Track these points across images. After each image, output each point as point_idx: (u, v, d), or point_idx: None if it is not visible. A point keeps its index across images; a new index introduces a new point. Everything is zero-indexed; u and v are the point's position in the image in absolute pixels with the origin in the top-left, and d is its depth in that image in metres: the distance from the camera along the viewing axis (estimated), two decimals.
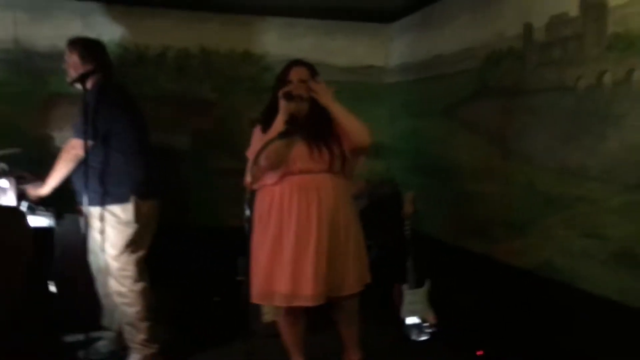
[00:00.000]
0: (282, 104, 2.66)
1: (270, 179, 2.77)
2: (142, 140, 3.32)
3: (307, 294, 2.66)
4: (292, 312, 2.89)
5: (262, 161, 2.65)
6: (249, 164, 2.77)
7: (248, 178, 2.79)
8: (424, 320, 3.64)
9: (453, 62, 3.81)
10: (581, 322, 2.72)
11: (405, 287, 3.73)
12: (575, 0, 2.70)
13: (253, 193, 2.64)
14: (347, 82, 4.62)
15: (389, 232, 4.05)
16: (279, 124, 2.66)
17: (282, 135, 2.60)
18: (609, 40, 2.51)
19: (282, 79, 2.80)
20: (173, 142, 4.26)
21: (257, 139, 2.79)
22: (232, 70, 4.37)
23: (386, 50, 4.72)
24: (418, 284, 3.70)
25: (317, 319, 3.03)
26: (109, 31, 4.03)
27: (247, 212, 2.33)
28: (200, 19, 4.24)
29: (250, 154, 2.78)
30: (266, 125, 2.75)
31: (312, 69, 2.82)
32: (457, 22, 3.75)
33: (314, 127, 2.74)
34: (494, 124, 3.40)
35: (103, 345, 3.44)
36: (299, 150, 2.73)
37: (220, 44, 4.31)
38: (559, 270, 2.86)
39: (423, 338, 3.61)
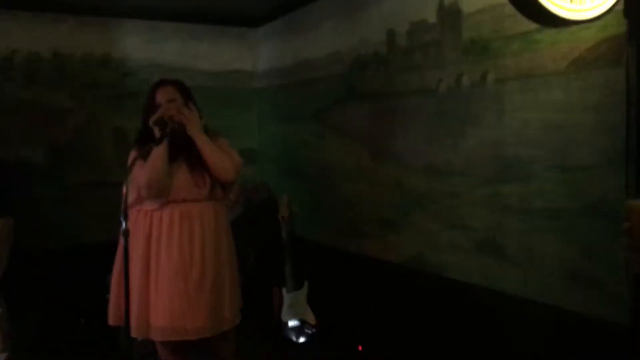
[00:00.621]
0: (155, 132, 2.49)
1: (150, 204, 2.59)
2: None
3: (190, 327, 2.51)
4: (174, 343, 2.68)
5: (144, 191, 2.50)
6: (132, 190, 2.54)
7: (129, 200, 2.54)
8: (304, 322, 3.67)
9: (320, 66, 3.89)
10: (451, 308, 2.90)
11: (284, 290, 3.74)
12: (433, 7, 2.89)
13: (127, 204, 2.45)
14: (215, 87, 4.55)
15: (265, 237, 4.05)
16: (158, 154, 2.49)
17: (157, 141, 2.46)
18: (464, 45, 2.72)
19: (150, 103, 2.60)
20: (24, 156, 3.89)
21: (137, 166, 2.52)
22: (90, 76, 4.10)
23: (253, 54, 4.71)
24: (297, 287, 3.74)
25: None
26: None
27: (124, 224, 2.18)
28: (52, 21, 3.92)
29: (133, 183, 2.54)
30: (143, 152, 2.51)
31: (180, 86, 2.66)
32: (323, 28, 3.84)
33: (193, 154, 2.57)
34: (363, 127, 3.52)
35: None
36: (182, 179, 2.58)
37: (76, 47, 4.01)
38: (429, 261, 3.03)
39: (304, 339, 3.64)
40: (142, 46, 4.24)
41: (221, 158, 2.59)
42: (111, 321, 2.68)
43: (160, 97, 2.58)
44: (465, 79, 2.73)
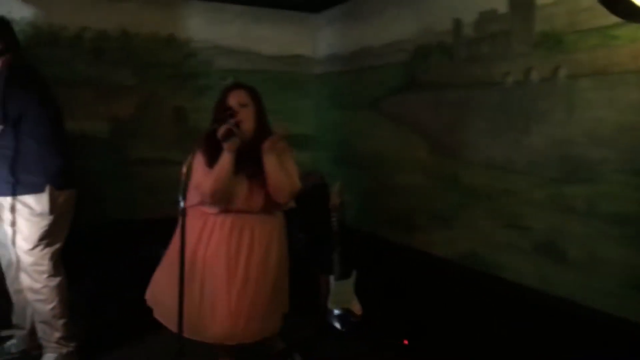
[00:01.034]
0: (225, 143, 2.48)
1: (207, 208, 2.62)
2: (57, 126, 3.11)
3: (228, 332, 2.57)
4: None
5: (207, 198, 2.52)
6: (192, 195, 2.54)
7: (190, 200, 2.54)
8: (349, 311, 3.66)
9: (381, 54, 3.84)
10: (503, 310, 2.83)
11: (331, 278, 3.74)
12: None
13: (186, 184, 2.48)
14: (274, 70, 4.56)
15: (315, 223, 4.04)
16: (224, 163, 2.50)
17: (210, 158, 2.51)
18: (536, 37, 2.61)
19: (221, 104, 2.60)
20: (89, 130, 4.01)
21: (201, 171, 2.58)
22: (154, 55, 4.17)
23: (314, 40, 4.69)
24: (344, 275, 3.72)
25: None
26: (20, 8, 3.72)
27: (182, 204, 2.22)
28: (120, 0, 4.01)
29: (194, 186, 2.56)
30: (209, 156, 2.56)
31: (253, 92, 2.65)
32: (386, 15, 3.77)
33: (256, 165, 2.57)
34: (422, 118, 3.46)
35: (13, 344, 3.20)
36: (241, 189, 2.59)
37: (142, 26, 4.09)
38: (483, 260, 2.96)
39: (348, 329, 3.63)
40: (205, 28, 4.28)
41: (282, 182, 2.59)
42: (148, 295, 2.79)
43: (233, 99, 2.58)
44: (535, 73, 2.62)
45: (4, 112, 2.78)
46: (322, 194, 4.10)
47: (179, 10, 4.21)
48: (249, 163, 2.56)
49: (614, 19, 2.12)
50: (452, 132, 3.17)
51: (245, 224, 2.60)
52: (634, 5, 1.55)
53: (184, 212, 2.09)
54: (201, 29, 4.28)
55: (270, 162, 2.55)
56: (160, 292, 2.74)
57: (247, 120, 2.55)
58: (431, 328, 3.26)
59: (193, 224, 2.61)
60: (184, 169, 2.17)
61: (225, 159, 2.49)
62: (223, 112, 2.55)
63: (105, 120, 4.07)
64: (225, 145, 2.47)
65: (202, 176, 2.55)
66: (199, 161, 2.59)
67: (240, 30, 4.41)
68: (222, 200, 2.55)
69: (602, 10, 2.06)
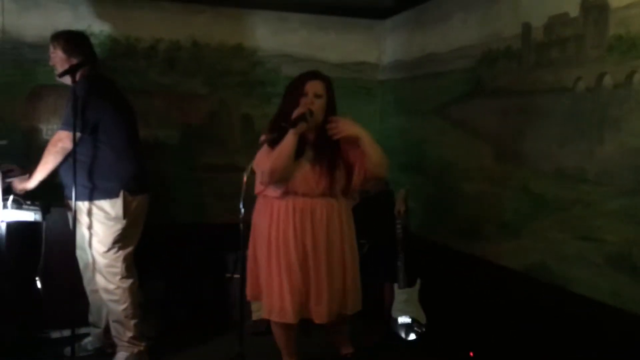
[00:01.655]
0: (296, 123, 2.62)
1: (273, 191, 2.76)
2: (132, 134, 3.27)
3: (318, 311, 2.74)
4: (289, 330, 2.91)
5: (266, 176, 2.65)
6: (258, 175, 2.75)
7: (257, 187, 2.83)
8: (414, 320, 3.62)
9: (447, 60, 3.78)
10: (574, 325, 2.72)
11: (396, 286, 3.71)
12: (576, 0, 2.68)
13: (248, 192, 2.59)
14: (339, 78, 4.54)
15: (380, 230, 4.03)
16: (288, 143, 2.62)
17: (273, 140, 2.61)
18: (609, 41, 2.50)
19: (297, 90, 2.73)
20: (161, 137, 4.18)
21: (264, 151, 2.74)
22: (224, 64, 4.29)
23: (379, 47, 4.68)
24: (409, 284, 3.69)
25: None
26: (99, 22, 3.93)
27: (242, 211, 2.29)
28: (192, 11, 4.14)
29: (256, 166, 2.74)
30: (274, 140, 2.69)
31: (328, 84, 2.77)
32: (452, 21, 3.72)
33: (320, 151, 2.72)
34: (488, 124, 3.38)
35: (89, 342, 3.39)
36: (302, 173, 2.72)
37: (212, 37, 4.22)
38: (553, 272, 2.85)
39: (413, 337, 3.60)
40: (272, 37, 4.36)
41: (381, 155, 2.72)
42: (249, 297, 2.97)
43: (310, 87, 2.70)
44: (608, 78, 2.51)
45: (82, 121, 2.94)
46: (387, 200, 4.09)
47: (246, 21, 4.31)
48: (313, 149, 2.71)
49: None
50: (520, 139, 3.08)
51: (307, 207, 2.72)
52: None
53: (244, 220, 2.16)
54: (268, 37, 4.37)
55: (367, 139, 2.67)
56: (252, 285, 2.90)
57: (319, 110, 2.67)
58: (497, 340, 3.17)
59: (263, 210, 2.80)
60: (244, 177, 2.24)
61: (289, 139, 2.61)
62: (297, 100, 2.66)
63: (177, 128, 4.23)
64: (297, 125, 2.59)
65: (264, 155, 2.70)
66: (264, 147, 2.75)
67: (306, 38, 4.47)
68: (281, 179, 2.67)
69: None
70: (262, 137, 2.75)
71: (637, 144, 2.38)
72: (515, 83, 3.13)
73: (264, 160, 2.68)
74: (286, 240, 2.73)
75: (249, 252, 2.91)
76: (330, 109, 2.77)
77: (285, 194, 2.73)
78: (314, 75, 2.77)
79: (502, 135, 3.25)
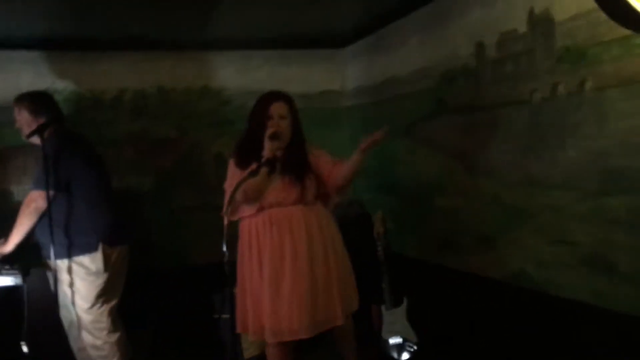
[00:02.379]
0: (267, 144, 2.66)
1: (247, 211, 2.82)
2: (105, 185, 3.27)
3: (293, 328, 2.68)
4: (281, 345, 2.87)
5: (238, 196, 2.67)
6: (226, 197, 2.79)
7: (225, 210, 2.76)
8: (405, 340, 3.64)
9: (408, 82, 3.88)
10: (559, 328, 2.77)
11: (383, 307, 3.73)
12: (523, 16, 2.80)
13: (231, 229, 2.61)
14: (305, 108, 4.59)
15: (360, 253, 4.04)
16: (261, 179, 2.68)
17: (252, 173, 2.60)
18: (559, 53, 2.61)
19: (261, 113, 2.78)
20: (134, 184, 4.18)
21: (233, 173, 2.81)
22: (191, 107, 4.35)
23: (342, 74, 4.78)
24: (396, 304, 3.71)
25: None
26: (62, 79, 3.96)
27: (225, 250, 2.31)
28: (155, 58, 4.21)
29: (228, 187, 2.81)
30: (241, 160, 2.77)
31: (291, 104, 2.84)
32: (410, 44, 3.83)
33: (288, 161, 2.78)
34: (455, 141, 3.46)
35: None
36: (274, 186, 2.78)
37: (178, 81, 4.28)
38: (533, 278, 2.92)
39: (406, 357, 3.61)
40: (237, 75, 4.44)
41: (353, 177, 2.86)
42: (239, 329, 2.93)
43: (274, 110, 2.76)
44: (562, 88, 2.62)
45: (55, 179, 2.94)
46: (365, 223, 4.12)
47: (210, 62, 4.39)
48: (283, 164, 2.75)
49: None
50: (486, 152, 3.17)
51: (282, 217, 2.76)
52: (636, 14, 1.54)
53: (229, 264, 2.18)
54: (233, 76, 4.44)
55: (358, 162, 2.79)
56: (252, 316, 2.83)
57: (285, 131, 2.75)
58: (487, 350, 3.21)
59: (245, 232, 2.84)
60: (226, 220, 2.26)
61: (262, 176, 2.65)
62: (263, 122, 2.72)
63: (150, 173, 4.25)
64: (269, 145, 2.65)
65: (233, 177, 2.77)
66: (232, 166, 2.83)
67: (270, 73, 4.55)
68: (254, 197, 2.74)
69: None
70: (231, 166, 2.82)
71: (598, 148, 2.47)
72: (475, 99, 3.23)
73: (235, 179, 2.72)
74: (264, 255, 2.76)
75: (238, 287, 2.91)
76: (296, 127, 2.85)
77: (261, 209, 2.79)
78: (277, 97, 2.83)
79: (469, 150, 3.33)
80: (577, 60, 2.51)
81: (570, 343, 2.70)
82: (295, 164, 2.79)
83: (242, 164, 2.76)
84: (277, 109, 2.77)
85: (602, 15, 2.33)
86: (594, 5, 2.36)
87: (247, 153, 2.76)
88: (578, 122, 2.55)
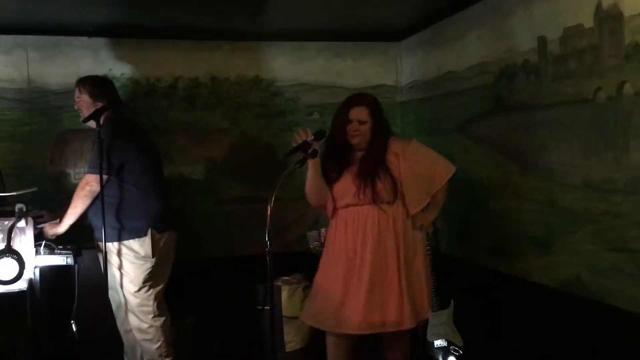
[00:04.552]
0: (309, 163, 2.80)
1: (329, 211, 2.98)
2: (157, 172, 3.32)
3: (351, 322, 2.79)
4: (338, 338, 2.98)
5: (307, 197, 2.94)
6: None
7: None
8: (450, 343, 3.55)
9: (465, 78, 3.76)
10: (613, 340, 2.63)
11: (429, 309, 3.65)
12: (590, 11, 2.65)
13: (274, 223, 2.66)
14: None
15: None
16: (308, 174, 2.86)
17: (300, 163, 2.74)
18: (626, 50, 2.46)
19: (341, 118, 2.89)
20: (186, 173, 4.23)
21: None
22: (243, 97, 4.35)
23: (396, 69, 4.69)
24: (442, 306, 3.62)
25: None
26: (119, 65, 4.04)
27: (267, 241, 2.34)
28: (209, 48, 4.22)
29: None
30: (323, 163, 2.90)
31: (372, 106, 2.91)
32: (468, 38, 3.71)
33: (363, 164, 2.87)
34: (511, 140, 3.34)
35: None
36: (345, 185, 2.88)
37: (230, 71, 4.28)
38: (588, 286, 2.78)
39: None
40: (289, 66, 4.41)
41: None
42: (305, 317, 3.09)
43: (354, 116, 2.86)
44: (628, 87, 2.47)
45: (108, 163, 3.01)
46: None
47: (263, 53, 4.37)
48: (360, 164, 2.89)
49: None
50: (544, 153, 3.04)
51: (354, 218, 2.87)
52: None
53: (270, 252, 2.19)
54: (285, 68, 4.42)
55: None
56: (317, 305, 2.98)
57: (364, 134, 2.86)
58: (536, 358, 3.09)
59: (331, 224, 3.01)
60: (269, 209, 2.27)
61: (310, 173, 2.85)
62: (343, 127, 2.89)
63: (201, 162, 4.28)
64: (310, 163, 2.79)
65: None
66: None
67: (323, 65, 4.50)
68: (317, 200, 2.93)
69: None
70: None
71: None
72: (535, 97, 3.10)
73: None
74: (338, 253, 2.90)
75: (316, 275, 3.04)
76: (379, 130, 2.91)
77: (335, 210, 2.94)
78: (358, 101, 2.91)
79: (525, 150, 3.21)
80: None
81: (624, 354, 2.56)
82: (369, 165, 2.86)
83: (322, 168, 2.88)
84: (357, 113, 2.86)
85: None
86: None
87: (329, 157, 2.91)
88: None
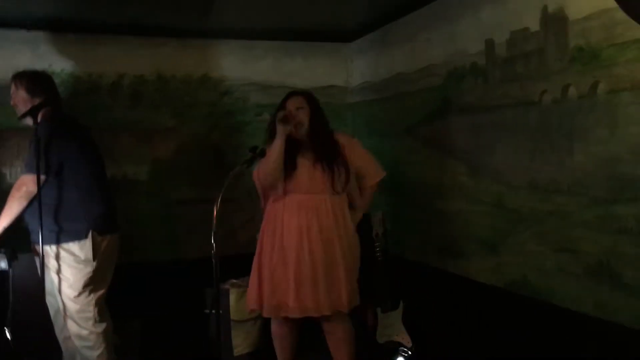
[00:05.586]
0: (279, 128, 2.84)
1: (275, 196, 2.99)
2: (98, 172, 3.19)
3: (292, 305, 2.85)
4: (281, 326, 3.09)
5: (262, 179, 2.97)
6: (257, 186, 3.12)
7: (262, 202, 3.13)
8: (400, 344, 3.56)
9: (414, 80, 3.79)
10: (558, 339, 2.69)
11: (379, 310, 3.65)
12: (536, 15, 2.71)
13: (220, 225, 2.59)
14: None
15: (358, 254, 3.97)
16: (275, 145, 2.84)
17: (247, 162, 2.75)
18: (571, 53, 2.52)
19: (279, 111, 2.95)
20: (130, 173, 4.10)
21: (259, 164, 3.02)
22: (191, 96, 4.25)
23: (347, 69, 4.68)
24: (392, 307, 3.63)
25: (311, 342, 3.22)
26: (60, 61, 3.87)
27: (214, 246, 2.26)
28: (155, 45, 4.10)
29: (256, 179, 3.09)
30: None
31: (307, 95, 3.02)
32: (417, 40, 3.74)
33: (316, 150, 2.93)
34: (459, 142, 3.38)
35: None
36: (301, 172, 2.92)
37: (177, 69, 4.18)
38: (534, 287, 2.83)
39: None
40: (238, 65, 4.34)
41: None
42: (250, 307, 3.11)
43: (290, 104, 2.95)
44: (573, 90, 2.52)
45: (46, 163, 2.86)
46: (364, 224, 4.04)
47: (212, 51, 4.29)
48: (310, 151, 2.94)
49: None
50: (491, 155, 3.08)
51: (309, 204, 2.91)
52: None
53: (217, 255, 2.13)
54: (235, 67, 4.34)
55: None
56: (257, 292, 3.02)
57: (302, 119, 2.92)
58: (482, 358, 3.13)
59: (269, 215, 3.02)
60: (215, 210, 2.22)
61: (277, 142, 2.85)
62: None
63: (146, 163, 4.15)
64: (279, 129, 2.83)
65: (261, 164, 2.95)
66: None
67: (273, 65, 4.46)
68: (272, 179, 2.91)
69: None
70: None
71: (607, 153, 2.38)
72: (482, 99, 3.14)
73: (261, 166, 2.96)
74: (282, 237, 2.92)
75: (254, 263, 3.05)
76: (315, 117, 2.97)
77: (285, 193, 2.94)
78: (294, 93, 3.04)
79: (474, 152, 3.25)
80: (590, 61, 2.42)
81: (569, 355, 2.62)
82: (321, 152, 2.92)
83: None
84: (293, 102, 2.96)
85: (618, 16, 2.26)
86: (610, 4, 2.29)
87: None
88: (588, 125, 2.46)
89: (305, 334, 3.21)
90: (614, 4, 2.25)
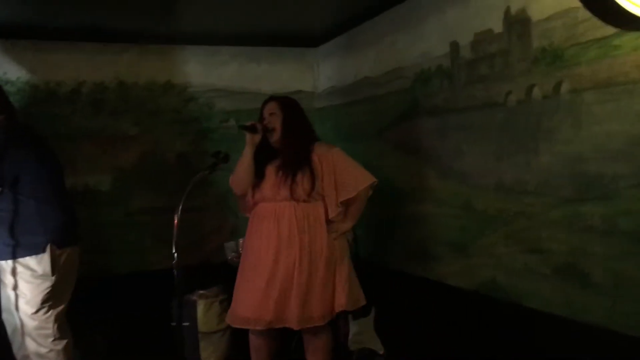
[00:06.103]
0: (247, 137, 2.85)
1: (249, 204, 2.99)
2: (57, 183, 3.07)
3: (263, 318, 2.76)
4: (258, 337, 2.98)
5: (232, 184, 2.96)
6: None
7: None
8: (372, 351, 3.52)
9: (381, 83, 3.77)
10: (529, 340, 2.68)
11: (350, 317, 3.60)
12: (499, 16, 2.71)
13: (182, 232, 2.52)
14: None
15: None
16: (244, 154, 2.86)
17: (210, 168, 2.79)
18: (534, 54, 2.52)
19: (259, 117, 2.95)
20: (92, 183, 3.98)
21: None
22: (154, 103, 4.16)
23: (313, 74, 4.65)
24: (363, 313, 3.59)
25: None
26: (15, 68, 3.76)
27: (176, 256, 2.18)
28: (116, 51, 4.01)
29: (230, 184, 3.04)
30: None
31: (281, 101, 2.96)
32: (383, 44, 3.72)
33: (283, 160, 2.86)
34: (428, 145, 3.36)
35: None
36: (266, 180, 2.88)
37: (139, 75, 4.09)
38: (504, 288, 2.82)
39: None
40: (202, 71, 4.28)
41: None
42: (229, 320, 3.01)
43: (265, 111, 2.93)
44: (537, 90, 2.53)
45: (0, 175, 2.75)
46: None
47: (174, 57, 4.21)
48: (279, 160, 2.88)
49: (613, 28, 2.03)
50: (459, 157, 3.07)
51: (270, 212, 2.86)
52: (625, 12, 1.44)
53: (177, 264, 2.06)
54: (198, 72, 4.28)
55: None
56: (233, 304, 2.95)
57: (274, 125, 2.88)
58: None
59: (251, 216, 2.99)
60: (176, 219, 2.16)
61: (245, 151, 2.87)
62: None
63: (109, 172, 4.04)
64: (247, 138, 2.84)
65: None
66: None
67: (239, 70, 4.41)
68: (241, 185, 2.92)
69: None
70: None
71: (572, 153, 2.39)
72: (449, 101, 3.13)
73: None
74: (251, 248, 2.90)
75: (238, 273, 2.99)
76: (287, 123, 2.90)
77: (255, 204, 2.93)
78: (270, 99, 3.00)
79: (442, 154, 3.24)
80: (553, 61, 2.43)
81: (539, 355, 2.61)
82: (288, 160, 2.86)
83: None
84: (268, 108, 2.92)
85: (580, 15, 2.26)
86: (572, 4, 2.29)
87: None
88: (553, 125, 2.46)
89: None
90: (576, 4, 2.26)
